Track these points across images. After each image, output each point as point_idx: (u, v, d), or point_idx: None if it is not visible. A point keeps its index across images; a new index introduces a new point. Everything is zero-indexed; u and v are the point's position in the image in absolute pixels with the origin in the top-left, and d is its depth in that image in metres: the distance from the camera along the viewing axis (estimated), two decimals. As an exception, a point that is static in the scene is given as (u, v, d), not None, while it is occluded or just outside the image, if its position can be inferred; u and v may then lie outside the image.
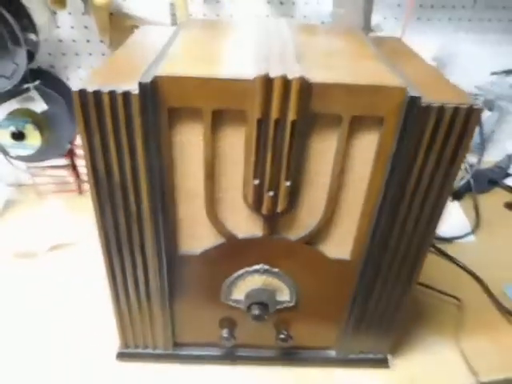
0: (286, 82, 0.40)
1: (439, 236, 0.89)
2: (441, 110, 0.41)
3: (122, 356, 0.63)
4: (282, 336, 0.60)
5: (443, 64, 1.04)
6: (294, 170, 0.47)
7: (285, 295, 0.57)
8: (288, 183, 0.48)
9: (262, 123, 0.43)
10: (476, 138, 0.97)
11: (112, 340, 0.63)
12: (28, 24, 0.79)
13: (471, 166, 1.03)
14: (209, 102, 0.42)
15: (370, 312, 0.59)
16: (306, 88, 0.40)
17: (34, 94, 0.88)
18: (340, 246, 0.54)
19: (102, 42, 0.95)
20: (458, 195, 1.02)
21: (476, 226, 0.93)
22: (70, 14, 0.91)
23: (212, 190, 0.49)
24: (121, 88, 0.41)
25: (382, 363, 0.64)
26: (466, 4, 1.06)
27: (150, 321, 0.60)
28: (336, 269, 0.55)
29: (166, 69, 0.43)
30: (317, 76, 0.41)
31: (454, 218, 0.95)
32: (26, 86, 0.83)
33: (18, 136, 0.90)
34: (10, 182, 1.02)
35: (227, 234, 0.52)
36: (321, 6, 0.99)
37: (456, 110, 0.41)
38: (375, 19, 0.94)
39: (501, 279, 0.80)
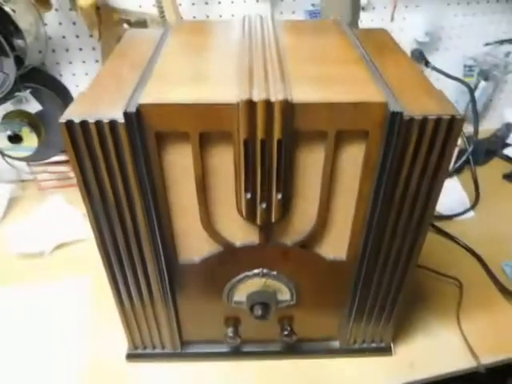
0: (268, 105, 0.40)
1: (439, 214, 0.89)
2: (423, 121, 0.41)
3: (131, 357, 0.66)
4: (286, 332, 0.62)
5: (436, 38, 1.01)
6: (284, 182, 0.47)
7: (285, 295, 0.59)
8: (279, 195, 0.48)
9: (248, 143, 0.43)
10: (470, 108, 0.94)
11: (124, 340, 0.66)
12: (14, 30, 0.78)
13: (468, 137, 1.02)
14: (194, 125, 0.42)
15: (370, 303, 0.61)
16: (289, 109, 0.40)
17: (27, 95, 0.88)
18: (335, 247, 0.55)
19: (91, 36, 0.94)
20: (456, 169, 1.01)
21: (475, 201, 0.93)
22: (56, 10, 0.90)
23: (206, 204, 0.50)
24: (107, 117, 0.42)
25: (386, 351, 0.67)
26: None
27: (156, 323, 0.63)
28: (333, 268, 0.57)
29: (150, 93, 0.43)
30: (300, 94, 0.41)
31: (453, 194, 0.94)
32: (17, 94, 0.83)
33: (15, 139, 0.91)
34: (10, 179, 1.03)
35: (224, 243, 0.53)
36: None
37: (438, 121, 0.41)
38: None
39: (501, 254, 0.81)
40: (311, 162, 0.46)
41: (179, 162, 0.47)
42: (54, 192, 0.98)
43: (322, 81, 0.45)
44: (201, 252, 0.55)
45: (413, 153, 0.44)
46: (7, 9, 0.75)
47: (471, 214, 0.90)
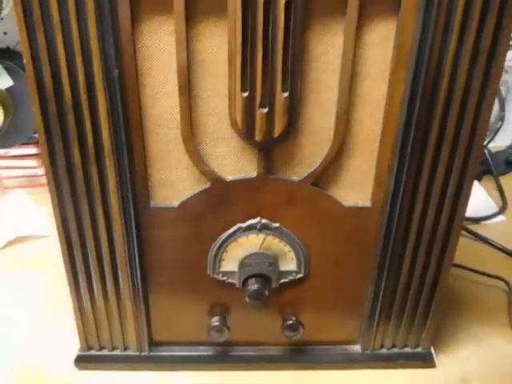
0: None
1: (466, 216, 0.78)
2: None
3: (81, 361, 0.49)
4: (291, 322, 0.47)
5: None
6: (291, 76, 0.37)
7: (290, 263, 0.45)
8: (285, 94, 0.37)
9: (247, 9, 0.33)
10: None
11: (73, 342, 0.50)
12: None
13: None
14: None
15: (403, 285, 0.46)
16: None
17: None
18: (357, 188, 0.42)
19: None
20: (477, 177, 0.91)
21: (503, 205, 0.83)
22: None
23: (189, 111, 0.38)
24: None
25: (425, 360, 0.50)
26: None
27: (119, 312, 0.47)
28: (354, 221, 0.43)
29: None
30: None
31: (477, 198, 0.84)
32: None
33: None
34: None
35: (212, 175, 0.41)
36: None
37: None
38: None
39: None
40: (325, 50, 0.36)
41: (157, 48, 0.36)
42: (17, 191, 0.85)
43: None
44: (180, 191, 0.42)
45: (461, 20, 0.34)
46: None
47: (501, 218, 0.81)
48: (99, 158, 0.39)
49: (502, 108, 0.79)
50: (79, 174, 0.40)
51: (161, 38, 0.36)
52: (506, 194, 0.86)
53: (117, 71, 0.36)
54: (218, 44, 0.36)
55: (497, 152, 0.96)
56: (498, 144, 1.00)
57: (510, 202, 0.85)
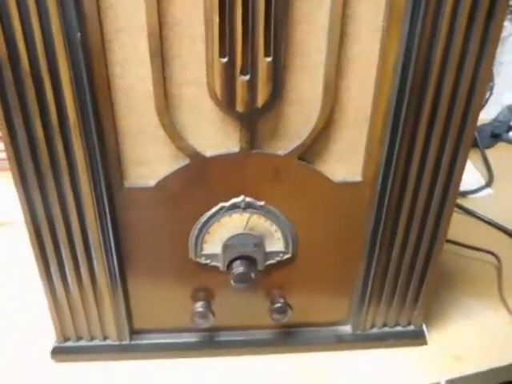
0: None
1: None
2: None
3: (58, 352, 0.46)
4: (279, 305, 0.44)
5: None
6: (275, 39, 0.33)
7: (277, 243, 0.42)
8: (269, 59, 0.34)
9: None
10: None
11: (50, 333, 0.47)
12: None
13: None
14: None
15: (394, 263, 0.44)
16: None
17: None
18: (347, 161, 0.39)
19: None
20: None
21: (490, 179, 0.82)
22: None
23: (162, 81, 0.34)
24: None
25: (417, 338, 0.48)
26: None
27: (95, 299, 0.44)
28: (344, 197, 0.41)
29: None
30: None
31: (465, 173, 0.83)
32: None
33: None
34: None
35: (190, 150, 0.37)
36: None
37: None
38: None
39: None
40: (312, 8, 0.33)
41: (124, 7, 0.32)
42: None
43: None
44: (157, 169, 0.39)
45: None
46: None
47: (489, 191, 0.80)
48: (64, 133, 0.35)
49: (491, 78, 0.77)
50: (43, 150, 0.36)
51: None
52: (493, 167, 0.85)
53: (79, 34, 0.32)
54: (192, 4, 0.32)
55: (482, 125, 0.95)
56: (483, 117, 0.99)
57: (496, 175, 0.84)
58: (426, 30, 0.33)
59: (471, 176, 0.81)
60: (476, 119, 0.37)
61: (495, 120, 0.95)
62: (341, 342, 0.48)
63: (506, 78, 1.07)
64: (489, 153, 0.91)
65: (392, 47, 0.34)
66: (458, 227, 0.69)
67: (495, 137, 0.93)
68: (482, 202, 0.76)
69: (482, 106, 0.38)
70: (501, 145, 0.95)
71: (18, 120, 0.35)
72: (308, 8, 0.33)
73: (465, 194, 0.77)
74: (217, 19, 0.32)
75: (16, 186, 0.38)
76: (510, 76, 1.09)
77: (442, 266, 0.60)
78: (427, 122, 0.37)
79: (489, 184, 0.80)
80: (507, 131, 0.95)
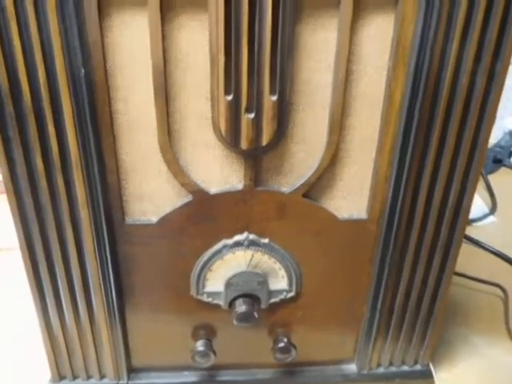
0: None
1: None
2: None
3: (53, 393, 0.44)
4: (282, 345, 0.43)
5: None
6: (280, 77, 0.33)
7: (281, 281, 0.41)
8: (274, 97, 0.33)
9: (230, 0, 0.29)
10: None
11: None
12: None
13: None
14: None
15: (401, 300, 0.43)
16: None
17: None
18: (352, 199, 0.39)
19: None
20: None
21: (493, 206, 0.81)
22: None
23: (166, 116, 0.34)
24: None
25: (425, 377, 0.47)
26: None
27: (93, 336, 0.43)
28: (349, 234, 0.40)
29: None
30: None
31: None
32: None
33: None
34: None
35: (193, 187, 0.37)
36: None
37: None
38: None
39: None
40: (317, 46, 0.33)
41: (130, 42, 0.32)
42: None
43: None
44: (159, 206, 0.38)
45: (465, 19, 0.31)
46: None
47: (492, 219, 0.79)
48: (65, 168, 0.35)
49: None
50: (43, 185, 0.35)
51: (133, 33, 0.32)
52: (495, 193, 0.84)
53: (83, 70, 0.31)
54: (198, 40, 0.32)
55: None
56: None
57: (499, 202, 0.83)
58: (433, 67, 0.33)
59: (475, 204, 0.80)
60: (483, 157, 0.37)
61: (497, 145, 0.95)
62: (346, 382, 0.46)
63: (507, 102, 1.07)
64: (491, 178, 0.90)
65: (398, 85, 0.34)
66: (463, 256, 0.67)
67: (497, 162, 0.93)
68: (485, 230, 0.74)
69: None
70: (503, 170, 0.94)
71: (17, 152, 0.34)
72: (314, 45, 0.33)
73: (469, 222, 0.76)
74: (223, 57, 0.32)
75: (14, 218, 0.37)
76: (511, 100, 1.10)
77: (449, 298, 0.58)
78: (434, 160, 0.36)
79: (492, 212, 0.79)
80: (509, 156, 0.95)
